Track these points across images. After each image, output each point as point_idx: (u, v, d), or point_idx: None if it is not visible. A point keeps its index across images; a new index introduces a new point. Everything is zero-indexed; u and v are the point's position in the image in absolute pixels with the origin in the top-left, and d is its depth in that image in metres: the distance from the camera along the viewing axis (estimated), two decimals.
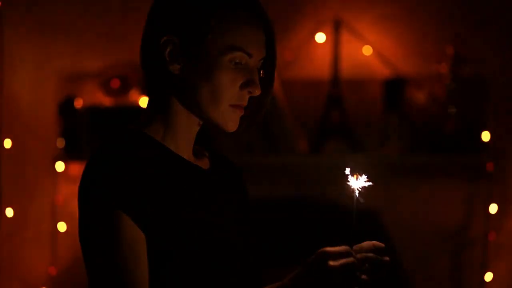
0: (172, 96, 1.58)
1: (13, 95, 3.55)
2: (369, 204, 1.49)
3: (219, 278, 1.53)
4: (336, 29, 3.49)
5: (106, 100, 3.51)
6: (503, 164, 3.46)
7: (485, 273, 3.44)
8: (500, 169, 3.45)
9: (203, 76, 1.54)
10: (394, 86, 3.45)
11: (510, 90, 3.49)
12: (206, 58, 1.54)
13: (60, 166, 3.52)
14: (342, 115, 3.44)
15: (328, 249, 1.47)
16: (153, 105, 1.61)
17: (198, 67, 1.55)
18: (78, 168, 3.53)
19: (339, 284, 1.45)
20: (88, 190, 1.49)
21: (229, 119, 1.57)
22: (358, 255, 1.48)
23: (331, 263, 1.45)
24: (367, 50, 3.51)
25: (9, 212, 3.51)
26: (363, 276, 1.47)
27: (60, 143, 3.49)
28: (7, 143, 3.50)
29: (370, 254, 1.49)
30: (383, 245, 1.50)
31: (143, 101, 3.48)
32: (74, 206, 1.54)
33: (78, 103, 3.50)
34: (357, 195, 1.49)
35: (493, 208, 3.44)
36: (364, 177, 1.49)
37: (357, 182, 1.49)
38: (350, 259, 1.46)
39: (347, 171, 1.50)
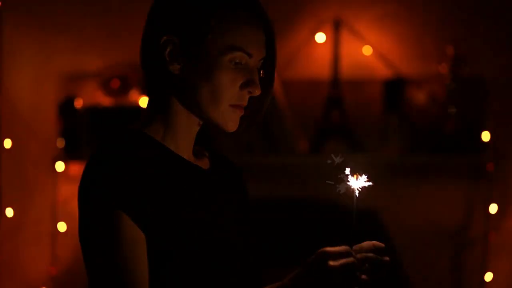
0: (172, 96, 1.58)
1: (13, 95, 3.55)
2: (369, 204, 1.49)
3: (219, 278, 1.53)
4: (336, 29, 3.49)
5: (106, 100, 3.51)
6: (503, 164, 3.46)
7: (485, 273, 3.44)
8: (500, 169, 3.45)
9: (203, 76, 1.54)
10: (394, 86, 3.45)
11: (510, 90, 3.49)
12: (206, 58, 1.54)
13: (60, 166, 3.52)
14: (342, 115, 3.45)
15: (328, 249, 1.47)
16: (153, 105, 1.60)
17: (198, 67, 1.55)
18: (78, 168, 3.53)
19: (339, 284, 1.45)
20: (88, 190, 1.49)
21: (229, 119, 1.57)
22: (358, 255, 1.48)
23: (331, 263, 1.45)
24: (367, 50, 3.51)
25: (9, 212, 3.51)
26: (363, 276, 1.47)
27: (60, 143, 3.50)
28: (7, 143, 3.51)
29: (370, 254, 1.49)
30: (383, 245, 1.50)
31: (143, 101, 3.48)
32: (74, 206, 1.54)
33: (78, 103, 3.50)
34: (357, 195, 1.49)
35: (493, 208, 3.44)
36: (364, 177, 1.49)
37: (357, 182, 1.49)
38: (350, 259, 1.46)
39: (347, 171, 1.49)
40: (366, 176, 1.49)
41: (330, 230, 3.35)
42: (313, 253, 1.49)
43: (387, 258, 1.49)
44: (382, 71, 3.49)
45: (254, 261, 1.63)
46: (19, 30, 3.54)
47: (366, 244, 1.50)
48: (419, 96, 3.49)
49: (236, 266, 1.57)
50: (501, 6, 3.49)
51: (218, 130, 1.59)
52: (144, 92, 3.48)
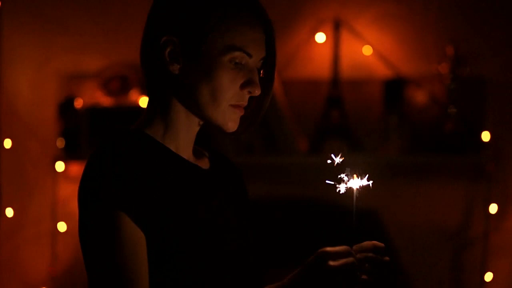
0: (172, 96, 1.58)
1: (13, 95, 3.55)
2: (369, 204, 1.50)
3: (219, 278, 1.53)
4: (336, 29, 3.48)
5: (106, 100, 3.51)
6: (503, 164, 3.46)
7: (485, 273, 3.44)
8: (500, 169, 3.45)
9: (203, 76, 1.54)
10: (394, 86, 3.44)
11: (510, 90, 3.49)
12: (206, 58, 1.54)
13: (60, 166, 3.52)
14: (342, 115, 3.44)
15: (328, 249, 1.47)
16: (153, 105, 1.61)
17: (198, 67, 1.55)
18: (78, 168, 3.53)
19: (339, 284, 1.45)
20: (88, 190, 1.49)
21: (229, 119, 1.57)
22: (358, 255, 1.48)
23: (331, 263, 1.45)
24: (367, 50, 3.51)
25: (9, 212, 3.52)
26: (363, 276, 1.47)
27: (60, 143, 3.49)
28: (7, 143, 3.51)
29: (370, 254, 1.49)
30: (383, 245, 1.50)
31: (143, 101, 3.48)
32: (74, 206, 1.54)
33: (78, 103, 3.50)
34: (357, 195, 1.49)
35: (493, 208, 3.44)
36: (364, 177, 1.49)
37: (357, 182, 1.49)
38: (350, 259, 1.46)
39: (347, 171, 1.50)
40: (366, 176, 1.49)
41: (330, 230, 3.35)
42: (313, 253, 1.49)
43: (387, 258, 1.49)
44: (382, 71, 3.49)
45: (254, 261, 1.63)
46: (19, 30, 3.54)
47: (366, 244, 1.50)
48: (419, 96, 3.49)
49: (236, 266, 1.57)
50: (501, 6, 3.49)
51: (218, 130, 1.59)
52: (144, 92, 3.47)
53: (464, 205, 3.50)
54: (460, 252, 3.52)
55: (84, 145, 3.45)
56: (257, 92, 1.57)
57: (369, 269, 1.48)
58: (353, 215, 1.49)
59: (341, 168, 1.51)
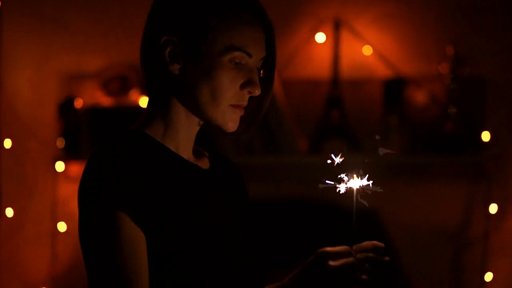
0: (172, 96, 1.58)
1: (13, 95, 3.55)
2: (369, 204, 1.49)
3: (219, 278, 1.53)
4: (336, 29, 3.48)
5: (106, 100, 3.51)
6: (503, 164, 3.46)
7: (485, 273, 3.44)
8: (500, 169, 3.45)
9: (203, 76, 1.54)
10: (394, 86, 3.44)
11: (510, 90, 3.49)
12: (206, 58, 1.54)
13: (60, 166, 3.52)
14: (342, 115, 3.44)
15: (328, 249, 1.47)
16: (153, 105, 1.61)
17: (198, 67, 1.55)
18: (78, 168, 3.53)
19: (339, 284, 1.45)
20: (88, 190, 1.49)
21: (229, 119, 1.57)
22: (358, 255, 1.48)
23: (331, 263, 1.45)
24: (367, 50, 3.51)
25: (9, 212, 3.52)
26: (363, 276, 1.47)
27: (60, 143, 3.49)
28: (7, 143, 3.51)
29: (370, 254, 1.49)
30: (383, 245, 1.50)
31: (143, 101, 3.48)
32: (74, 206, 1.54)
33: (78, 103, 3.50)
34: (357, 195, 1.49)
35: (493, 208, 3.44)
36: (364, 177, 1.49)
37: (357, 182, 1.49)
38: (350, 259, 1.46)
39: (347, 171, 1.50)
40: (366, 177, 1.49)
41: (330, 230, 3.35)
42: (313, 253, 1.49)
43: (387, 258, 1.49)
44: (382, 71, 3.49)
45: (254, 261, 1.63)
46: (19, 30, 3.54)
47: (366, 244, 1.50)
48: (419, 96, 3.49)
49: (236, 266, 1.57)
50: (501, 6, 3.49)
51: (218, 130, 1.59)
52: (144, 92, 3.47)
53: (464, 205, 3.50)
54: (460, 252, 3.52)
55: (84, 145, 3.45)
56: (257, 92, 1.57)
57: (369, 269, 1.48)
58: (353, 215, 1.49)
59: (341, 168, 1.51)
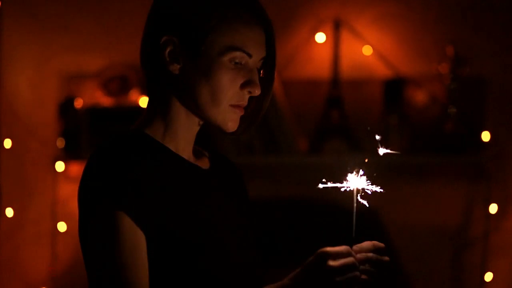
0: (172, 96, 1.58)
1: (13, 95, 3.55)
2: (369, 204, 1.50)
3: (219, 278, 1.53)
4: (336, 29, 3.48)
5: (106, 100, 3.51)
6: (503, 164, 3.46)
7: (485, 273, 3.44)
8: (500, 169, 3.45)
9: (203, 76, 1.54)
10: (394, 86, 3.44)
11: (510, 90, 3.49)
12: (206, 58, 1.54)
13: (60, 166, 3.52)
14: (342, 115, 3.44)
15: (328, 249, 1.47)
16: (153, 105, 1.61)
17: (198, 67, 1.55)
18: (78, 168, 3.53)
19: (339, 284, 1.45)
20: (88, 190, 1.49)
21: (229, 119, 1.57)
22: (358, 255, 1.48)
23: (331, 263, 1.45)
24: (367, 50, 3.51)
25: (9, 212, 3.51)
26: (363, 276, 1.47)
27: (60, 143, 3.49)
28: (7, 143, 3.51)
29: (370, 254, 1.49)
30: (383, 245, 1.50)
31: (143, 101, 3.48)
32: (74, 206, 1.54)
33: (78, 103, 3.50)
34: (357, 195, 1.49)
35: (493, 208, 3.44)
36: (364, 177, 1.49)
37: (357, 182, 1.49)
38: (350, 259, 1.46)
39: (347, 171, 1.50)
40: (366, 176, 1.50)
41: (330, 230, 3.35)
42: (313, 253, 1.49)
43: (387, 258, 1.49)
44: (382, 71, 3.49)
45: (254, 261, 1.63)
46: (19, 30, 3.54)
47: (366, 244, 1.50)
48: (419, 96, 3.49)
49: (236, 266, 1.57)
50: (501, 6, 3.49)
51: (218, 130, 1.59)
52: (144, 92, 3.47)
53: (464, 205, 3.50)
54: (460, 252, 3.52)
55: (84, 145, 3.45)
56: (257, 92, 1.57)
57: (369, 269, 1.48)
58: (353, 215, 1.49)
59: (341, 168, 1.51)
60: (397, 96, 3.43)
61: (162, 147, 1.57)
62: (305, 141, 3.47)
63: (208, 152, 1.70)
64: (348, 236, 1.49)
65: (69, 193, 3.48)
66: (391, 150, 1.50)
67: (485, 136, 3.40)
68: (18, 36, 3.54)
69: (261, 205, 3.42)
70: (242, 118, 1.60)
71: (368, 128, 3.03)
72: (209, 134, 1.71)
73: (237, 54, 1.54)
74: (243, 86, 1.56)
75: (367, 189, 1.50)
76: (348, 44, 3.50)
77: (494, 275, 3.45)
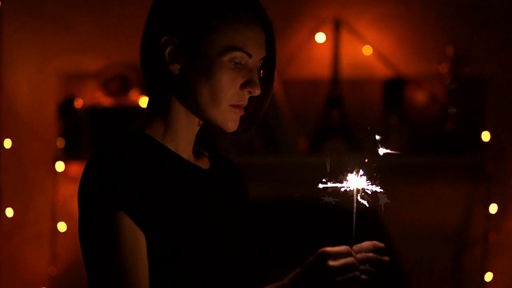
0: (172, 96, 1.58)
1: (13, 95, 3.55)
2: (369, 204, 1.50)
3: (219, 278, 1.53)
4: (336, 29, 3.48)
5: (106, 100, 3.51)
6: (503, 164, 3.46)
7: (485, 273, 3.44)
8: (500, 169, 3.45)
9: (203, 76, 1.54)
10: (394, 86, 3.44)
11: (510, 90, 3.49)
12: (206, 58, 1.54)
13: (60, 166, 3.52)
14: (342, 115, 3.44)
15: (328, 249, 1.47)
16: (153, 105, 1.61)
17: (198, 67, 1.55)
18: (78, 168, 3.53)
19: (339, 284, 1.45)
20: (88, 190, 1.49)
21: (229, 119, 1.57)
22: (358, 255, 1.48)
23: (331, 263, 1.45)
24: (367, 50, 3.51)
25: (9, 212, 3.51)
26: (363, 276, 1.47)
27: (60, 143, 3.49)
28: (7, 143, 3.51)
29: (370, 254, 1.49)
30: (383, 245, 1.50)
31: (143, 101, 3.48)
32: (74, 206, 1.54)
33: (78, 103, 3.49)
34: (357, 195, 1.49)
35: (493, 208, 3.44)
36: (364, 177, 1.49)
37: (357, 182, 1.49)
38: (350, 259, 1.46)
39: (347, 172, 1.50)
40: (366, 176, 1.50)
41: (330, 230, 3.35)
42: (313, 253, 1.49)
43: (387, 258, 1.49)
44: (382, 71, 3.49)
45: (254, 261, 1.63)
46: (19, 30, 3.54)
47: (366, 244, 1.50)
48: (419, 96, 3.49)
49: (236, 266, 1.57)
50: (501, 6, 3.49)
51: (218, 130, 1.59)
52: (144, 92, 3.47)
53: (464, 205, 3.50)
54: (460, 252, 3.52)
55: (84, 145, 3.45)
56: (257, 92, 1.57)
57: (369, 269, 1.48)
58: (353, 215, 1.49)
59: (341, 168, 1.51)
60: (397, 96, 3.43)
61: (162, 147, 1.57)
62: (305, 141, 3.47)
63: (208, 152, 1.70)
64: (348, 236, 1.49)
65: (69, 193, 3.48)
66: (391, 150, 1.50)
67: (485, 136, 3.40)
68: (18, 36, 3.54)
69: (261, 205, 3.42)
70: (242, 118, 1.60)
71: (368, 128, 3.03)
72: (209, 134, 1.71)
73: (237, 54, 1.54)
74: (243, 86, 1.56)
75: (367, 189, 1.50)
76: (348, 44, 3.50)
77: (494, 275, 3.45)
